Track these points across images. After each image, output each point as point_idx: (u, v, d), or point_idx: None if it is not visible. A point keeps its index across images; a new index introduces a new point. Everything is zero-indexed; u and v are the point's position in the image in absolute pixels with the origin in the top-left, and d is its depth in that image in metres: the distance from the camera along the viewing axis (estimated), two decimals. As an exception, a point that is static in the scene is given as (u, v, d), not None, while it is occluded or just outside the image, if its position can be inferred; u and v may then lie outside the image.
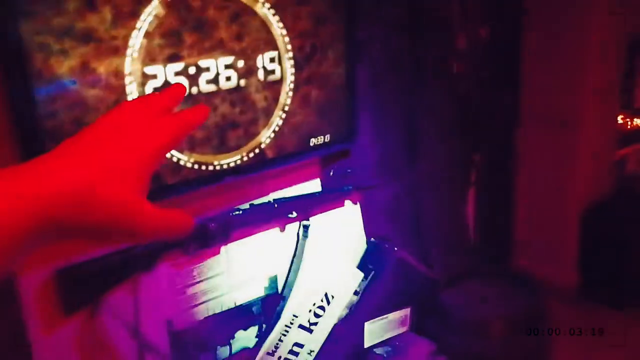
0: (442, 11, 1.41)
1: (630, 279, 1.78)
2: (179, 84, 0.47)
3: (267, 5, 1.02)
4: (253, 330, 1.22)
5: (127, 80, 0.88)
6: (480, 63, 1.57)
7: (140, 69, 0.89)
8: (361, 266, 1.35)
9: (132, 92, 0.88)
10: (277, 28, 1.05)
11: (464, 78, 1.52)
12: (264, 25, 1.03)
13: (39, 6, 0.78)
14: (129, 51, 0.87)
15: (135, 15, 0.87)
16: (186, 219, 0.41)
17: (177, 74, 0.93)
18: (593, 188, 1.84)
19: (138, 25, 0.87)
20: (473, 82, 1.56)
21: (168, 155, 0.94)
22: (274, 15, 1.04)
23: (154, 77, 0.91)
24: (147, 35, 0.88)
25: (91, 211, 0.36)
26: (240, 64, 1.01)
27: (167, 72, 0.92)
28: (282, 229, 1.22)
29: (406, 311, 1.35)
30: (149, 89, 0.90)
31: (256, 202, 1.17)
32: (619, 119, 1.89)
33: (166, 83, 0.92)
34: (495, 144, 1.71)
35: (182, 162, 0.97)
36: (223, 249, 1.14)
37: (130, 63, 0.88)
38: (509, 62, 1.68)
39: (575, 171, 1.78)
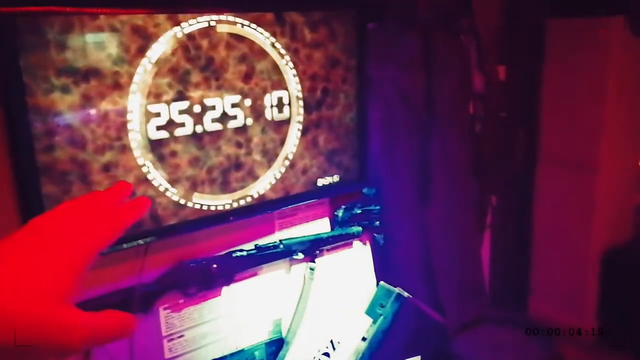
0: (458, 51, 1.39)
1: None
2: (123, 182, 0.46)
3: (278, 45, 1.01)
4: (254, 376, 1.17)
5: (129, 117, 0.86)
6: (497, 103, 1.54)
7: (143, 107, 0.87)
8: (370, 311, 1.30)
9: (133, 129, 0.86)
10: (288, 69, 1.03)
11: (480, 118, 1.49)
12: (274, 66, 1.01)
13: (40, 40, 0.77)
14: (132, 88, 0.85)
15: (140, 52, 0.86)
16: (124, 318, 0.39)
17: (181, 112, 0.91)
18: (613, 232, 1.77)
19: (143, 62, 0.86)
20: (489, 123, 1.53)
21: (169, 194, 0.91)
22: (284, 56, 1.02)
23: (157, 115, 0.89)
24: (152, 72, 0.87)
25: None
26: (248, 102, 0.99)
27: (171, 110, 0.90)
28: (288, 271, 1.18)
29: (416, 360, 1.29)
30: (151, 127, 0.88)
31: (261, 242, 1.13)
32: (640, 162, 1.83)
33: (170, 121, 0.90)
34: (512, 186, 1.67)
35: (182, 202, 0.95)
36: (225, 290, 1.10)
37: (133, 100, 0.86)
38: (527, 103, 1.65)
39: (594, 214, 1.73)
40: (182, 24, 0.89)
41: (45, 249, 0.38)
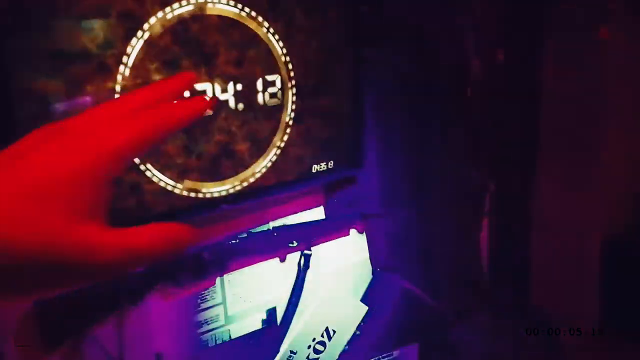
0: (455, 34, 1.35)
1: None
2: (185, 73, 0.37)
3: (271, 29, 0.98)
4: (249, 365, 1.16)
5: (115, 103, 0.83)
6: (496, 87, 1.51)
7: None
8: (366, 299, 1.28)
9: (120, 115, 0.84)
10: (280, 53, 1.00)
11: (478, 102, 1.46)
12: (266, 50, 0.98)
13: (27, 24, 0.74)
14: (119, 74, 0.83)
15: (128, 36, 0.83)
16: (170, 230, 0.33)
17: (169, 97, 0.88)
18: (615, 219, 1.75)
19: (130, 47, 0.83)
20: (488, 107, 1.50)
21: (158, 181, 0.89)
22: (276, 40, 0.99)
23: (145, 100, 0.86)
24: (140, 57, 0.84)
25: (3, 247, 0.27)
26: (239, 87, 0.96)
27: (159, 95, 0.87)
28: (282, 259, 1.16)
29: (413, 348, 1.28)
30: (139, 112, 0.85)
31: (255, 230, 1.11)
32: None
33: (158, 106, 0.87)
34: (512, 172, 1.64)
35: (172, 189, 0.92)
36: (218, 279, 1.08)
37: (122, 85, 0.83)
38: (527, 86, 1.61)
39: (596, 201, 1.70)
40: (171, 6, 0.86)
41: (58, 149, 0.30)
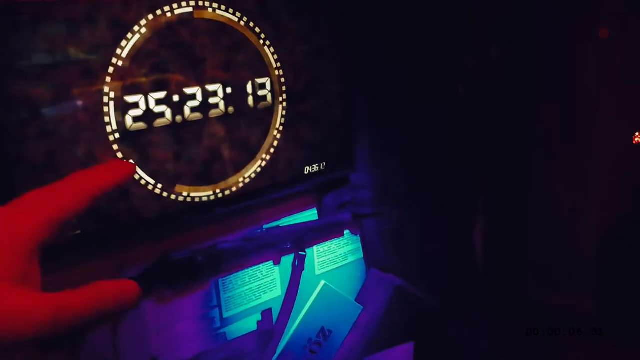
0: (448, 29, 1.36)
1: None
2: (117, 162, 0.38)
3: (260, 32, 0.98)
4: (245, 367, 1.16)
5: (105, 109, 0.83)
6: (488, 84, 1.51)
7: (120, 98, 0.84)
8: (361, 298, 1.29)
9: (110, 122, 0.84)
10: (270, 56, 1.00)
11: (471, 100, 1.46)
12: (256, 53, 0.99)
13: (10, 27, 0.74)
14: (107, 79, 0.83)
15: (116, 41, 0.83)
16: (109, 289, 0.34)
17: (159, 102, 0.88)
18: (612, 212, 1.75)
19: (119, 51, 0.83)
20: (482, 104, 1.50)
21: (150, 187, 0.89)
22: (266, 42, 0.99)
23: (135, 105, 0.86)
24: (128, 61, 0.84)
25: None
26: (229, 91, 0.96)
27: (149, 101, 0.87)
28: (277, 261, 1.17)
29: (409, 346, 1.28)
30: (129, 118, 0.86)
31: (248, 233, 1.12)
32: (638, 139, 1.80)
33: (148, 112, 0.87)
34: (507, 168, 1.64)
35: (164, 194, 0.92)
36: (213, 282, 1.09)
37: (110, 91, 0.83)
38: (521, 83, 1.62)
39: (592, 194, 1.70)
40: (160, 11, 0.86)
41: None
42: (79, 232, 0.84)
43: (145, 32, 0.85)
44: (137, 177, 0.89)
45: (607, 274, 1.73)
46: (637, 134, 1.80)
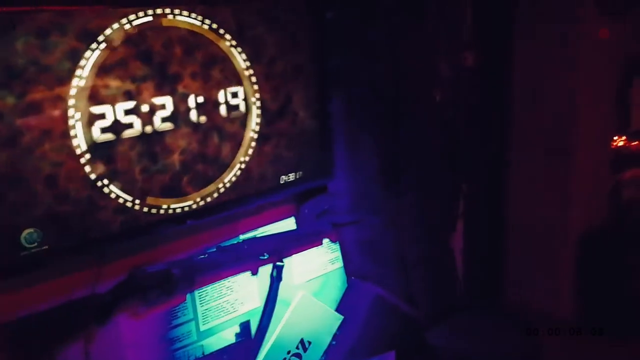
0: (423, 36, 1.35)
1: (631, 307, 1.69)
2: None
3: (233, 41, 0.97)
4: (223, 381, 1.14)
5: (70, 122, 0.81)
6: (465, 89, 1.51)
7: (86, 108, 0.82)
8: (340, 308, 1.27)
9: (76, 134, 0.82)
10: (242, 62, 0.99)
11: (449, 105, 1.46)
12: (228, 61, 0.97)
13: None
14: (72, 90, 0.81)
15: (82, 50, 0.81)
16: None
17: (127, 112, 0.86)
18: (589, 215, 1.76)
19: (84, 61, 0.81)
20: (459, 110, 1.50)
21: (119, 200, 0.87)
22: (239, 51, 0.98)
23: (102, 116, 0.84)
24: (94, 71, 0.82)
25: None
26: (200, 100, 0.95)
27: (116, 111, 0.85)
28: (254, 272, 1.15)
29: (390, 355, 1.27)
30: (96, 129, 0.84)
31: (225, 244, 1.10)
32: (615, 143, 1.82)
33: (115, 122, 0.85)
34: (485, 173, 1.64)
35: (135, 207, 0.90)
36: (189, 295, 1.07)
37: (75, 102, 0.81)
38: (497, 88, 1.62)
39: (570, 198, 1.71)
40: (127, 18, 0.84)
41: None
42: (46, 247, 0.82)
43: (112, 41, 0.83)
44: (106, 190, 0.87)
45: (585, 276, 1.73)
46: (615, 138, 1.81)
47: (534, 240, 1.74)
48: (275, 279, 1.16)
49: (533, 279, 1.75)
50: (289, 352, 1.17)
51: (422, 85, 1.40)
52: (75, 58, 0.80)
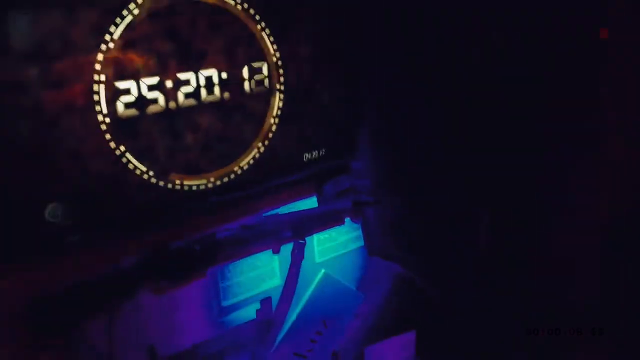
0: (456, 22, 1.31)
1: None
2: None
3: (256, 14, 0.95)
4: (244, 357, 1.15)
5: (95, 97, 0.81)
6: (493, 77, 1.47)
7: (111, 83, 0.82)
8: (362, 287, 1.27)
9: (101, 110, 0.81)
10: (266, 39, 0.97)
11: (471, 95, 1.42)
12: (252, 36, 0.96)
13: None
14: (97, 64, 0.80)
15: (107, 23, 0.80)
16: None
17: (151, 88, 0.86)
18: (617, 209, 1.71)
19: (108, 36, 0.80)
20: (482, 100, 1.46)
21: (144, 175, 0.87)
22: (262, 26, 0.96)
23: (127, 92, 0.83)
24: (118, 46, 0.81)
25: None
26: (224, 76, 0.93)
27: (140, 86, 0.85)
28: (276, 250, 1.15)
29: (410, 335, 1.27)
30: (120, 105, 0.83)
31: (247, 221, 1.09)
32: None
33: (140, 98, 0.85)
34: (513, 161, 1.60)
35: (159, 183, 0.90)
36: (211, 272, 1.07)
37: (99, 76, 0.81)
38: (527, 81, 1.57)
39: (599, 191, 1.66)
40: (150, -7, 0.83)
41: None
42: (70, 222, 0.82)
43: (137, 15, 0.82)
44: (130, 166, 0.86)
45: (612, 272, 1.70)
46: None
47: (561, 232, 1.69)
48: (297, 257, 1.15)
49: (559, 271, 1.73)
50: (310, 329, 1.17)
51: (448, 71, 1.36)
52: (100, 32, 0.79)
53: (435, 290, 1.31)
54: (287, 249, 1.15)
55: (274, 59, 0.99)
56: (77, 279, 0.89)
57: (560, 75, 1.34)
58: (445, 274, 1.38)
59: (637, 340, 1.32)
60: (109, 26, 0.80)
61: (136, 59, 0.83)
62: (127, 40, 0.82)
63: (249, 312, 1.14)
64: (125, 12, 0.81)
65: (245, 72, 0.96)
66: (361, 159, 1.19)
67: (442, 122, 1.34)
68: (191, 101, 0.90)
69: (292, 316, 1.17)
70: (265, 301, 1.15)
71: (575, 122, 1.46)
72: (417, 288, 1.28)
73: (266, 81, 0.99)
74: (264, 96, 1.00)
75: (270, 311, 1.16)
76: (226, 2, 0.91)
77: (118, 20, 0.81)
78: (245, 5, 0.93)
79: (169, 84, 0.87)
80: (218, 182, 0.98)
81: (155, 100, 0.86)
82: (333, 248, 1.24)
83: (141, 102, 0.85)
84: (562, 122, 1.46)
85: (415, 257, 1.32)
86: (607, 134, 1.38)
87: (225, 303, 1.10)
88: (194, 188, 0.95)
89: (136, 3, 0.82)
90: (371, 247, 1.28)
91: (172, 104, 0.89)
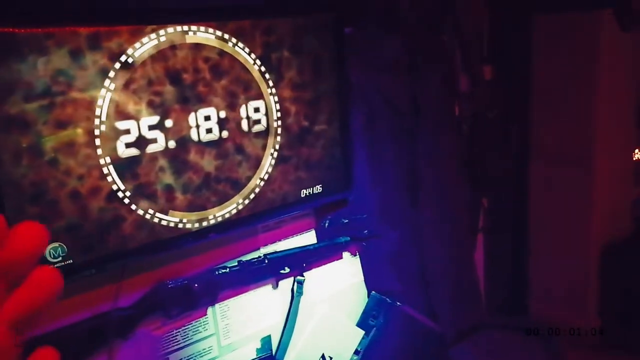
0: (442, 51, 1.35)
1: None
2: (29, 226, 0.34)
3: (254, 55, 0.98)
4: (244, 396, 1.13)
5: (97, 139, 0.82)
6: (484, 103, 1.50)
7: (111, 124, 0.83)
8: (362, 323, 1.26)
9: (101, 148, 0.83)
10: (263, 79, 1.00)
11: (468, 119, 1.45)
12: (250, 77, 0.98)
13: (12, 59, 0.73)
14: (98, 105, 0.82)
15: (107, 67, 0.82)
16: None
17: (151, 127, 0.87)
18: (611, 228, 1.73)
19: (108, 81, 0.82)
20: (478, 123, 1.49)
21: (143, 213, 0.88)
22: (260, 66, 0.99)
23: (127, 132, 0.85)
24: (119, 87, 0.83)
25: None
26: (222, 114, 0.95)
27: (141, 126, 0.86)
28: (275, 286, 1.15)
29: (412, 371, 1.25)
30: (120, 144, 0.84)
31: (245, 258, 1.10)
32: (636, 156, 1.79)
33: (140, 138, 0.86)
34: (505, 186, 1.63)
35: (158, 221, 0.91)
36: (210, 309, 1.06)
37: (101, 117, 0.82)
38: (515, 101, 1.61)
39: (592, 211, 1.68)
40: (151, 36, 0.85)
41: None
42: (70, 261, 0.82)
43: (135, 59, 0.84)
44: (130, 205, 0.87)
45: (610, 289, 1.70)
46: (636, 151, 1.79)
47: (557, 253, 1.71)
48: (296, 294, 1.15)
49: (557, 292, 1.73)
50: (310, 368, 1.16)
51: (441, 100, 1.39)
52: (101, 75, 0.81)
53: (435, 323, 1.31)
54: (286, 285, 1.15)
55: (271, 98, 1.01)
56: (77, 317, 0.89)
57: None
58: (445, 306, 1.38)
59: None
60: (110, 70, 0.82)
61: (136, 101, 0.85)
62: (127, 83, 0.84)
63: (249, 351, 1.12)
64: (123, 58, 0.83)
65: (242, 111, 0.98)
66: (359, 193, 1.20)
67: (436, 154, 1.36)
68: (191, 139, 0.92)
69: (293, 354, 1.16)
70: (265, 339, 1.14)
71: None
72: (417, 322, 1.27)
73: (263, 120, 1.01)
74: (261, 134, 1.01)
75: (271, 350, 1.15)
76: (225, 44, 0.94)
77: (117, 64, 0.83)
78: (245, 48, 0.96)
79: (168, 123, 0.89)
80: (216, 219, 0.98)
81: (154, 140, 0.88)
82: (332, 283, 1.24)
83: (141, 141, 0.86)
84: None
85: (415, 291, 1.32)
86: None
87: (224, 342, 1.09)
88: (193, 225, 0.95)
89: (134, 48, 0.84)
90: (370, 282, 1.28)
91: (171, 143, 0.90)
